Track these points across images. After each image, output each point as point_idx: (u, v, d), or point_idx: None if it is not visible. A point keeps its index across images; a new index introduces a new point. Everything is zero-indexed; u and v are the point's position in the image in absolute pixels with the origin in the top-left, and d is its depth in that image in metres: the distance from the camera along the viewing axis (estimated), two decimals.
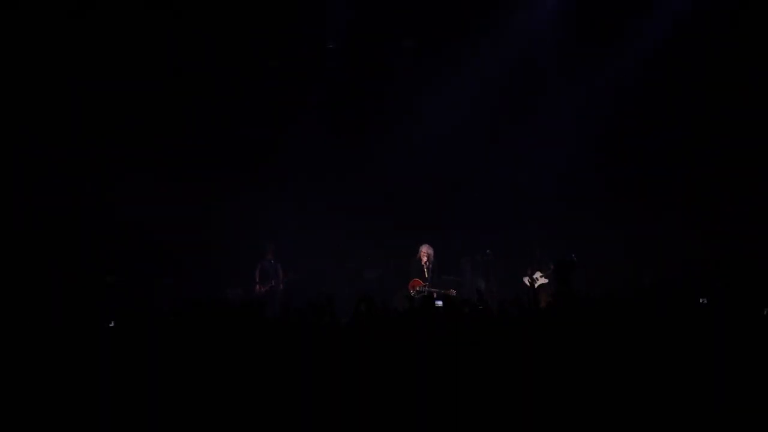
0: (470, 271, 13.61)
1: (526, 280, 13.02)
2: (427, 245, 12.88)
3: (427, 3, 12.75)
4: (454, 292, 12.63)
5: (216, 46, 13.01)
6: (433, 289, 12.47)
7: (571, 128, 13.76)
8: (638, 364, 4.78)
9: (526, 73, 13.68)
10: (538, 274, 12.99)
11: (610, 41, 13.11)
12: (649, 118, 13.66)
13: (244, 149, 14.04)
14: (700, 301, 6.66)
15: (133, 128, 13.11)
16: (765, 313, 6.04)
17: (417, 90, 13.91)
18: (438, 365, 5.17)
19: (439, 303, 6.23)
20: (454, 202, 14.26)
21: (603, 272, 13.05)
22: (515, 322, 5.95)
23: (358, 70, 14.00)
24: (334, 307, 6.98)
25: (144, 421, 5.00)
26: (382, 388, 5.03)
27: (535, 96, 13.82)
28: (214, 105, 13.55)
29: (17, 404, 5.02)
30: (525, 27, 13.11)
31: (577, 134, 13.72)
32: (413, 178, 14.16)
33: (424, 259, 12.78)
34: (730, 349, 4.94)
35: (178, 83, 13.14)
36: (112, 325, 6.72)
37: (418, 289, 12.58)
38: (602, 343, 5.07)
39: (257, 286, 13.17)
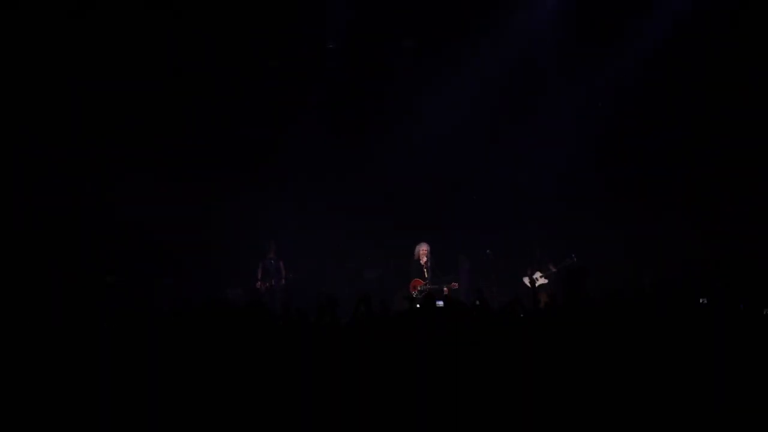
0: (468, 269, 13.53)
1: (526, 280, 13.00)
2: (425, 244, 12.86)
3: (427, 3, 12.74)
4: (456, 285, 12.66)
5: (216, 46, 13.01)
6: (434, 286, 12.50)
7: (571, 128, 13.75)
8: (639, 365, 4.78)
9: (526, 73, 13.67)
10: (537, 274, 12.98)
11: (610, 41, 13.09)
12: (649, 118, 13.65)
13: (244, 149, 14.04)
14: (700, 301, 6.65)
15: (133, 128, 13.11)
16: (765, 312, 6.03)
17: (417, 90, 13.90)
18: (438, 365, 5.17)
19: (440, 303, 6.20)
20: (454, 202, 14.26)
21: (603, 272, 13.06)
22: (515, 323, 5.95)
23: (358, 70, 13.99)
24: (336, 308, 6.97)
25: (144, 420, 5.00)
26: (382, 387, 5.03)
27: (535, 96, 13.81)
28: (214, 105, 13.55)
29: (17, 404, 5.01)
30: (525, 27, 13.10)
31: (577, 134, 13.71)
32: (413, 178, 14.16)
33: (424, 259, 12.77)
34: (730, 349, 4.93)
35: (178, 83, 13.14)
36: (110, 323, 6.72)
37: (419, 288, 12.57)
38: (602, 343, 5.07)
39: (258, 283, 13.17)
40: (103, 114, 12.86)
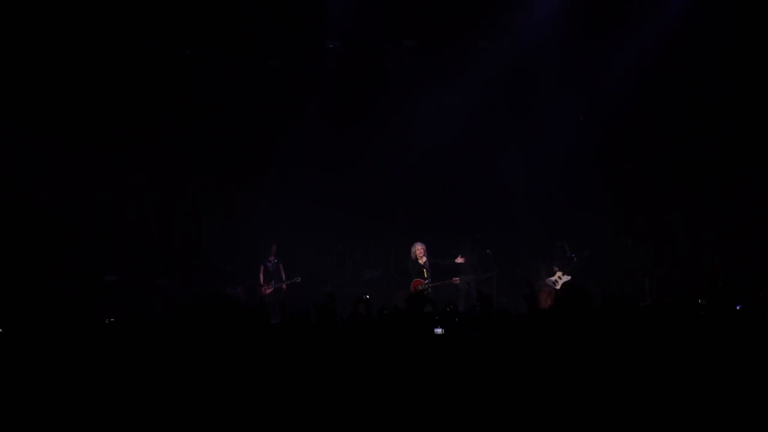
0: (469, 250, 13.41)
1: (550, 280, 12.82)
2: (420, 244, 12.88)
3: (427, 3, 12.74)
4: (457, 280, 12.73)
5: (216, 46, 13.02)
6: (435, 283, 12.56)
7: (571, 128, 13.75)
8: (639, 368, 4.78)
9: (526, 73, 13.67)
10: (559, 273, 12.82)
11: (611, 41, 13.08)
12: (650, 117, 13.65)
13: (243, 149, 14.04)
14: (700, 302, 6.65)
15: (133, 128, 13.12)
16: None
17: (417, 90, 13.89)
18: (437, 366, 5.18)
19: (439, 331, 6.02)
20: (455, 202, 14.25)
21: (603, 272, 13.09)
22: (515, 324, 5.94)
23: (358, 69, 13.99)
24: (335, 308, 6.97)
25: (144, 421, 5.00)
26: (381, 388, 5.04)
27: (535, 95, 13.80)
28: (215, 105, 13.54)
29: (17, 404, 5.02)
30: (525, 27, 13.08)
31: (577, 134, 13.70)
32: (413, 178, 14.16)
33: (423, 258, 12.80)
34: (730, 350, 4.93)
35: (177, 83, 13.14)
36: (110, 323, 6.73)
37: (420, 288, 12.59)
38: (602, 345, 5.08)
39: (263, 288, 13.16)
40: (103, 113, 12.86)
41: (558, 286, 12.50)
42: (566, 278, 12.65)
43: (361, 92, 14.18)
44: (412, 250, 12.86)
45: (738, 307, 6.26)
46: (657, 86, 13.32)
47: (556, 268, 12.83)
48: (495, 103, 13.86)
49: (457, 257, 13.05)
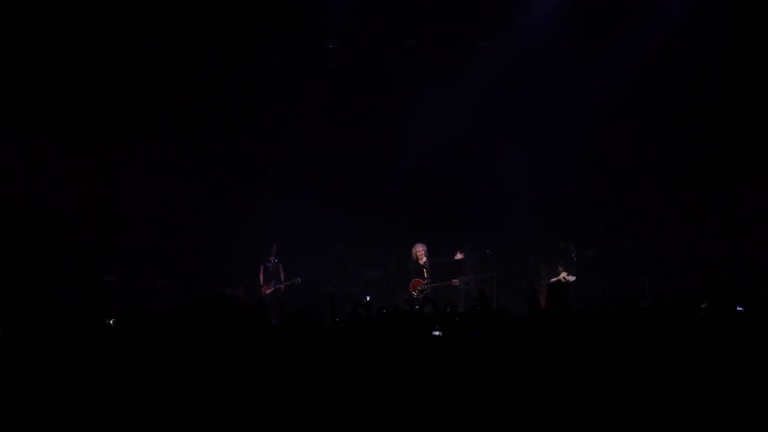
0: (469, 252, 13.39)
1: (554, 281, 12.74)
2: (421, 244, 12.89)
3: (427, 3, 12.74)
4: (456, 282, 12.73)
5: (216, 46, 13.02)
6: (435, 284, 12.55)
7: (571, 128, 13.74)
8: (639, 368, 4.78)
9: (526, 73, 13.67)
10: (564, 274, 12.77)
11: (611, 41, 13.08)
12: (650, 117, 13.65)
13: (244, 149, 14.04)
14: (702, 305, 6.64)
15: (133, 128, 13.12)
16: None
17: (417, 90, 13.90)
18: (437, 367, 5.18)
19: (436, 333, 6.03)
20: (455, 202, 14.26)
21: (603, 272, 13.08)
22: (515, 324, 5.94)
23: (358, 70, 14.00)
24: (335, 308, 6.97)
25: (144, 421, 5.00)
26: (381, 388, 5.04)
27: (535, 96, 13.80)
28: (215, 105, 13.55)
29: (17, 404, 5.02)
30: (525, 27, 13.09)
31: (577, 134, 13.70)
32: (413, 178, 14.16)
33: (423, 259, 12.81)
34: (730, 351, 4.93)
35: (178, 84, 13.14)
36: (111, 323, 6.73)
37: (420, 288, 12.60)
38: (602, 345, 5.08)
39: (263, 288, 13.16)
40: (103, 113, 12.87)
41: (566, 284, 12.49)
42: (571, 279, 12.61)
43: (361, 92, 14.18)
44: (413, 250, 12.87)
45: (738, 308, 6.25)
46: (657, 87, 13.31)
47: (560, 269, 12.78)
48: (495, 103, 13.86)
49: (456, 253, 13.04)
